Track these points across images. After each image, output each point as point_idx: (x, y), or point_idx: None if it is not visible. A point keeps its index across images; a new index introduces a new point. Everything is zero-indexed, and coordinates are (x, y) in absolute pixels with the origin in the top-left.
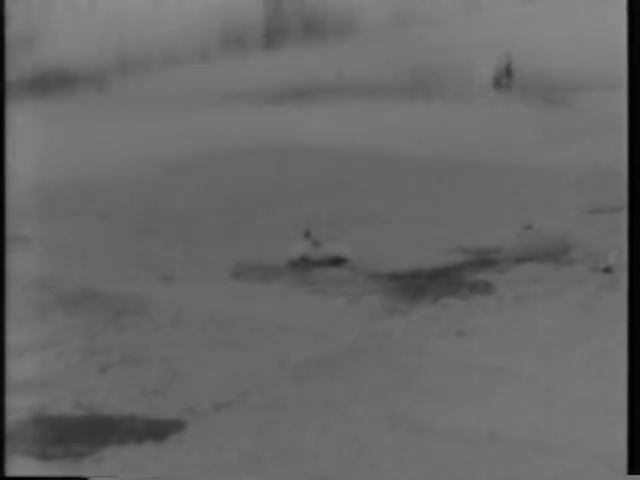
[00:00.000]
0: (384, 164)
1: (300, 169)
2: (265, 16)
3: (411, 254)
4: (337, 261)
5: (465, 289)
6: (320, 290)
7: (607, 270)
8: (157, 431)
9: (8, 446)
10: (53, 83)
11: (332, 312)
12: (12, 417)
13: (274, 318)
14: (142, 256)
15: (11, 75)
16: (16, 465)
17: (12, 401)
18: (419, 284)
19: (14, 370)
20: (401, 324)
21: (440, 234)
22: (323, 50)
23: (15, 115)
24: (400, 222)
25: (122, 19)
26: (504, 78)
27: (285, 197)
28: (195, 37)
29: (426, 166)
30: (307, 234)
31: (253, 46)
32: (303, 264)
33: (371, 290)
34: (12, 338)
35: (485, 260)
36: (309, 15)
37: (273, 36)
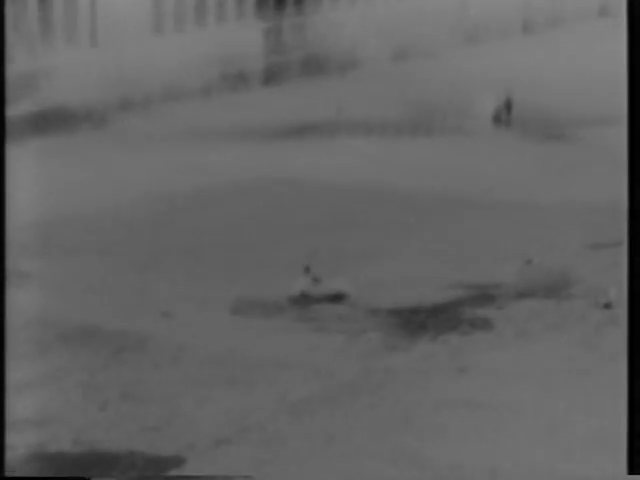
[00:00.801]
0: (384, 199)
1: (300, 204)
2: (265, 50)
3: (411, 290)
4: (337, 297)
5: (465, 325)
6: (320, 326)
7: (607, 306)
8: (157, 467)
9: None
10: (53, 119)
11: (332, 348)
12: (11, 455)
13: (274, 354)
14: (142, 292)
15: (11, 111)
16: None
17: (11, 439)
18: (419, 320)
19: (13, 408)
20: (401, 360)
21: (440, 270)
22: (323, 85)
23: (15, 151)
24: (400, 258)
25: (122, 55)
26: (504, 113)
27: (285, 233)
28: (195, 72)
29: (425, 201)
30: (307, 270)
31: (253, 81)
32: (303, 300)
33: (371, 326)
34: (11, 375)
35: (485, 296)
36: (310, 50)
37: (273, 71)
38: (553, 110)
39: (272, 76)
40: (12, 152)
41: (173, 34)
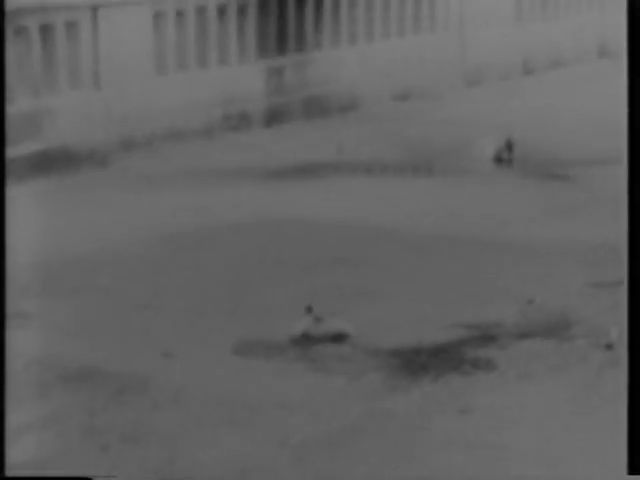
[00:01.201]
0: (385, 239)
1: (301, 244)
2: (267, 91)
3: (412, 330)
4: (339, 337)
5: (467, 365)
6: (321, 367)
7: (609, 346)
8: None
9: None
10: (55, 159)
11: (333, 390)
12: None
13: (275, 396)
14: (143, 332)
15: (14, 152)
16: None
17: None
18: (420, 361)
19: (13, 450)
20: (403, 402)
21: (441, 309)
22: (325, 125)
23: (17, 191)
24: (401, 297)
25: (125, 96)
26: (505, 153)
27: (287, 272)
28: (197, 113)
29: (427, 241)
30: (309, 310)
31: (255, 121)
32: (305, 340)
33: (372, 367)
34: (12, 417)
35: (487, 336)
36: (311, 90)
37: (275, 111)
38: (554, 150)
39: (274, 117)
40: (14, 192)
41: (176, 75)
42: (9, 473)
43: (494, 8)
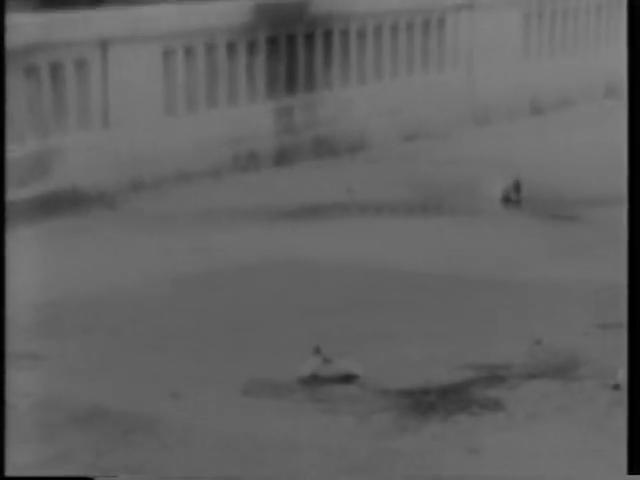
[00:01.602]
0: (393, 280)
1: (310, 285)
2: (276, 131)
3: (421, 370)
4: (347, 378)
5: (475, 406)
6: (330, 408)
7: (616, 387)
8: None
9: None
10: (64, 200)
11: (342, 430)
12: None
13: (284, 436)
14: (152, 373)
15: (22, 192)
16: None
17: None
18: (429, 401)
19: None
20: (412, 442)
21: (449, 350)
22: (334, 166)
23: (26, 232)
24: (409, 338)
25: (134, 136)
26: (513, 193)
27: (295, 313)
28: (206, 153)
29: (435, 281)
30: (317, 350)
31: (264, 162)
32: (313, 381)
33: (381, 407)
34: (19, 458)
35: (495, 376)
36: (320, 130)
37: (284, 151)
38: (561, 190)
39: (283, 157)
40: (22, 233)
41: (185, 115)
42: (9, 473)
43: (502, 47)
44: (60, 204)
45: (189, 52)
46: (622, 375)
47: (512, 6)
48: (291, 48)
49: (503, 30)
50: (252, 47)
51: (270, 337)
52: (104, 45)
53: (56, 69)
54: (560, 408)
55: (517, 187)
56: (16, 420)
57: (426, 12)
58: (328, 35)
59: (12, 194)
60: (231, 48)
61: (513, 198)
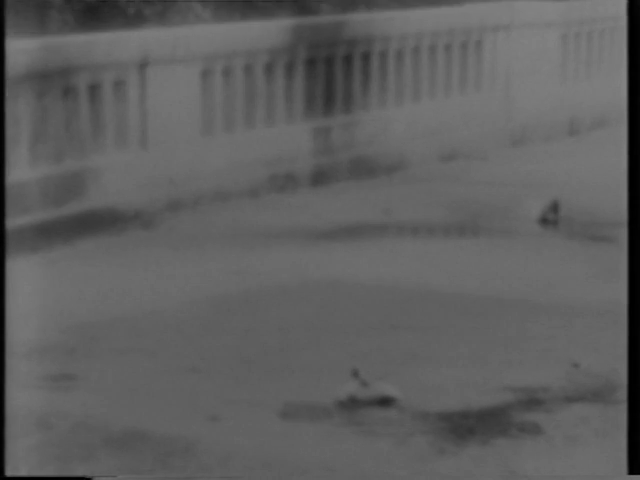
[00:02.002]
0: (431, 301)
1: (347, 306)
2: (314, 151)
3: (459, 393)
4: (385, 401)
5: (514, 429)
6: (368, 431)
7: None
8: None
9: None
10: (101, 220)
11: (380, 453)
12: None
13: (322, 459)
14: (189, 395)
15: (59, 211)
16: None
17: None
18: (468, 424)
19: None
20: (450, 465)
21: (487, 373)
22: (371, 186)
23: (63, 251)
24: (447, 360)
25: (172, 156)
26: (550, 214)
27: (333, 335)
28: (244, 173)
29: (472, 303)
30: (355, 373)
31: (302, 182)
32: (351, 404)
33: (419, 431)
34: None
35: (533, 400)
36: (358, 150)
37: (322, 172)
38: (598, 211)
39: (320, 177)
40: (59, 252)
41: (222, 136)
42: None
43: (539, 67)
44: (97, 224)
45: (227, 73)
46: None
47: (549, 26)
48: (329, 69)
49: (540, 51)
50: (290, 68)
51: (308, 359)
52: (143, 66)
53: (94, 89)
54: (598, 432)
55: (554, 208)
56: (55, 441)
57: (464, 33)
58: (366, 56)
59: (49, 213)
60: (269, 69)
61: (550, 219)
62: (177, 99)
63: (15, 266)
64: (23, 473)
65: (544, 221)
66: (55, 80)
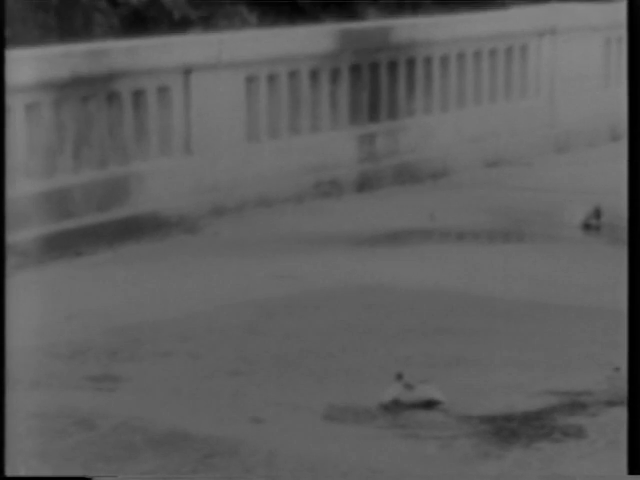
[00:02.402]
0: (474, 306)
1: (392, 310)
2: (359, 158)
3: (502, 396)
4: (429, 404)
5: (557, 433)
6: (412, 434)
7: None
8: None
9: None
10: (145, 225)
11: (424, 455)
12: None
13: (366, 461)
14: (232, 397)
15: (103, 216)
16: None
17: None
18: (511, 427)
19: None
20: (494, 468)
21: (530, 376)
22: (416, 192)
23: (106, 255)
24: (491, 364)
25: (216, 162)
26: (593, 220)
27: (377, 339)
28: (289, 179)
29: (515, 308)
30: (399, 377)
31: (347, 188)
32: (395, 407)
33: (463, 433)
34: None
35: (576, 403)
36: (403, 157)
37: (367, 178)
38: None
39: (365, 183)
40: (103, 256)
41: (267, 142)
42: (9, 473)
43: (583, 72)
44: (140, 229)
45: (272, 79)
46: None
47: (593, 31)
48: (374, 75)
49: (584, 55)
50: (335, 74)
51: (352, 362)
52: (187, 72)
53: (139, 95)
54: None
55: (597, 213)
56: (98, 441)
57: (509, 38)
58: (411, 62)
59: (93, 218)
60: (314, 75)
61: (593, 224)
62: (222, 105)
63: (58, 269)
64: (65, 472)
65: (587, 227)
66: (99, 85)
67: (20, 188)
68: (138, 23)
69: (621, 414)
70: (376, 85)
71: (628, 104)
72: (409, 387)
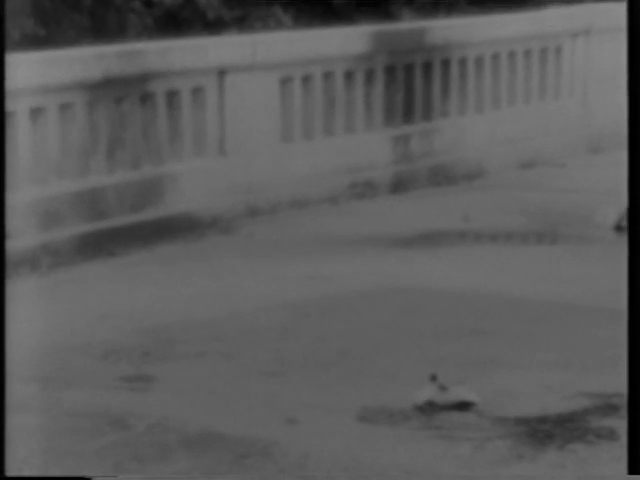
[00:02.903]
0: (508, 307)
1: (426, 312)
2: (393, 159)
3: (537, 398)
4: (463, 405)
5: (591, 435)
6: (446, 435)
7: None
8: None
9: None
10: (179, 225)
11: (459, 457)
12: None
13: (400, 463)
14: (267, 398)
15: (137, 217)
16: None
17: None
18: (546, 429)
19: None
20: (528, 470)
21: (564, 378)
22: (450, 193)
23: (142, 255)
24: (525, 366)
25: (250, 163)
26: (626, 221)
27: (410, 340)
28: (323, 181)
29: (548, 309)
30: (433, 378)
31: (381, 189)
32: (429, 408)
33: (497, 435)
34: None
35: (609, 405)
36: (437, 158)
37: (401, 179)
38: None
39: (400, 184)
40: (137, 257)
41: (301, 143)
42: (9, 473)
43: (618, 74)
44: (174, 229)
45: (307, 80)
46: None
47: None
48: (409, 76)
49: (618, 56)
50: (370, 75)
51: (386, 364)
52: (221, 73)
53: (172, 96)
54: None
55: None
56: (131, 441)
57: (543, 39)
58: (446, 63)
59: (126, 219)
60: (349, 76)
61: (626, 226)
62: (256, 106)
63: (92, 270)
64: (99, 472)
65: (619, 228)
66: (133, 86)
67: (54, 188)
68: (172, 24)
69: None
70: (411, 86)
71: (628, 104)
72: (443, 388)
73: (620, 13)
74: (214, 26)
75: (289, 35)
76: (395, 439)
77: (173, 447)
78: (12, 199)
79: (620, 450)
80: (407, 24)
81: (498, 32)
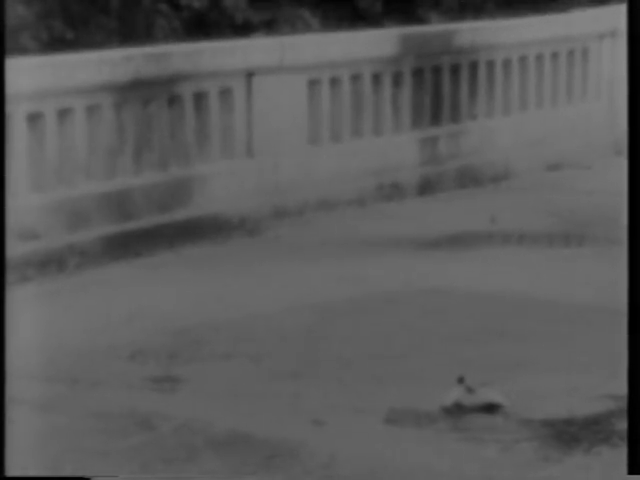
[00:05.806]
0: (535, 309)
1: (453, 314)
2: (421, 161)
3: (563, 401)
4: (490, 407)
5: (616, 438)
6: (473, 437)
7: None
8: None
9: None
10: (206, 227)
11: (485, 459)
12: None
13: (427, 465)
14: (293, 400)
15: (164, 218)
16: None
17: None
18: (572, 431)
19: None
20: (555, 472)
21: (590, 380)
22: (477, 195)
23: (167, 257)
24: (551, 368)
25: (278, 165)
26: None
27: (438, 342)
28: (350, 182)
29: (576, 312)
30: (461, 380)
31: (408, 191)
32: (456, 410)
33: (524, 437)
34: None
35: None
36: (464, 160)
37: (428, 181)
38: None
39: (427, 186)
40: (164, 258)
41: (329, 145)
42: (9, 473)
43: None
44: (202, 231)
45: (334, 82)
46: None
47: None
48: (436, 79)
49: None
50: (398, 78)
51: (413, 365)
52: (249, 75)
53: (200, 98)
54: None
55: None
56: (158, 441)
57: (570, 41)
58: (473, 65)
59: (154, 220)
60: (376, 79)
61: None
62: (284, 108)
63: (119, 270)
64: (126, 472)
65: None
66: (161, 88)
67: (81, 189)
68: (200, 26)
69: None
70: (438, 89)
71: (628, 104)
72: (470, 390)
73: None
74: (242, 29)
75: (317, 38)
76: (422, 441)
77: (200, 448)
78: (40, 199)
79: None
80: (435, 27)
81: (525, 35)
